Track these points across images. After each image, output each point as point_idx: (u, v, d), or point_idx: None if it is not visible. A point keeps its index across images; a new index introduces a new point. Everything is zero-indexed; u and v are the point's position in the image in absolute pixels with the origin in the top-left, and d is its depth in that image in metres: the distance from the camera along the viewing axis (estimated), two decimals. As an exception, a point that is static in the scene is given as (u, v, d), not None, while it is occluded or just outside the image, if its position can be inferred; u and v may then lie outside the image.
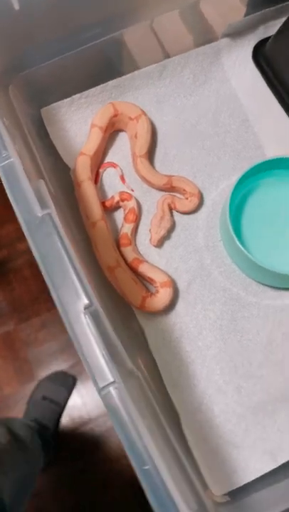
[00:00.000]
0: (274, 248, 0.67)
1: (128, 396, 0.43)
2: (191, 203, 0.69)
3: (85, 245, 0.67)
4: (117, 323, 0.61)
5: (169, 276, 0.66)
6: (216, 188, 0.72)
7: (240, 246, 0.62)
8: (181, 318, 0.66)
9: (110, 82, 0.73)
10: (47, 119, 0.72)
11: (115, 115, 0.71)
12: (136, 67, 0.74)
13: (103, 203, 0.69)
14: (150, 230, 0.68)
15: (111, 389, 0.42)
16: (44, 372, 1.46)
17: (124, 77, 0.73)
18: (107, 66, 0.73)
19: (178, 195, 0.71)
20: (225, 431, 0.62)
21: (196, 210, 0.71)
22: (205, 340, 0.65)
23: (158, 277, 0.65)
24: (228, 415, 0.62)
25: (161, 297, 0.64)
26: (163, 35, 0.73)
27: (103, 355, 0.43)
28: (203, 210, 0.71)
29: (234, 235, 0.63)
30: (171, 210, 0.70)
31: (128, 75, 0.73)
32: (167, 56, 0.75)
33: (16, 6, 0.57)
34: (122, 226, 0.69)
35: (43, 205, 0.48)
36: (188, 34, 0.75)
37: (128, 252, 0.67)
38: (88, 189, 0.68)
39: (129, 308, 0.67)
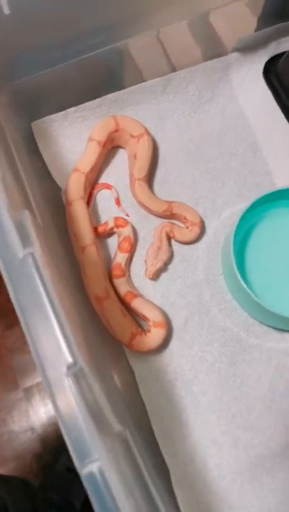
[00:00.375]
0: (281, 287, 0.62)
1: (113, 473, 0.38)
2: (191, 233, 0.64)
3: (76, 270, 0.61)
4: (103, 367, 0.55)
5: (164, 316, 0.60)
6: (218, 217, 0.66)
7: (243, 283, 0.57)
8: (176, 359, 0.61)
9: (109, 96, 0.67)
10: (38, 134, 0.66)
11: (116, 130, 0.65)
12: (138, 81, 0.68)
13: (96, 229, 0.64)
14: (146, 261, 0.63)
15: (93, 468, 0.37)
16: (29, 382, 1.41)
17: (124, 90, 0.67)
18: (106, 78, 0.67)
19: (178, 222, 0.65)
20: (219, 488, 0.56)
21: (197, 240, 0.65)
22: (201, 386, 0.59)
23: (152, 315, 0.59)
24: (222, 470, 0.57)
25: (152, 338, 0.59)
26: (169, 46, 0.67)
27: (87, 428, 0.38)
28: (204, 239, 0.65)
29: (237, 272, 0.57)
30: (169, 239, 0.65)
31: (129, 89, 0.68)
32: (173, 69, 0.69)
33: (6, 10, 0.51)
34: (116, 255, 0.63)
35: (25, 242, 0.42)
36: (195, 47, 0.69)
37: (121, 284, 0.62)
38: (79, 210, 0.62)
39: (119, 344, 0.61)
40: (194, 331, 0.61)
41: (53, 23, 0.56)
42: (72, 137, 0.68)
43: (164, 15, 0.63)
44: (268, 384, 0.60)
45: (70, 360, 0.39)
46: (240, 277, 0.57)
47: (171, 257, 0.64)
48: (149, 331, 0.59)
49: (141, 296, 0.62)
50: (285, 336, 0.62)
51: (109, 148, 0.67)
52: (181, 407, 0.59)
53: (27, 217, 0.45)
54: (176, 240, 0.64)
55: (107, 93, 0.67)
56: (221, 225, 0.66)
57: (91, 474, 0.36)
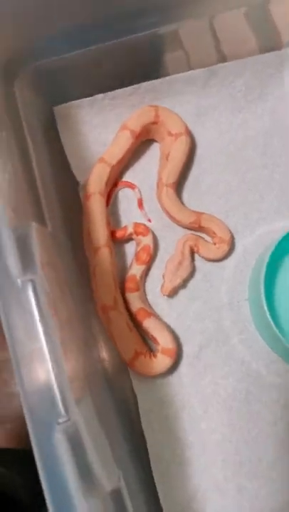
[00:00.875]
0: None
1: None
2: (218, 251, 0.57)
3: (85, 273, 0.56)
4: (102, 398, 0.50)
5: (176, 344, 0.54)
6: (251, 233, 0.59)
7: (268, 316, 0.50)
8: (185, 389, 0.55)
9: (144, 84, 0.59)
10: (60, 120, 0.59)
11: (154, 122, 0.58)
12: (178, 70, 0.60)
13: (113, 233, 0.57)
14: (164, 275, 0.56)
15: None
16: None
17: (161, 79, 0.60)
18: (143, 65, 0.59)
19: (204, 235, 0.58)
20: (216, 538, 0.51)
21: (224, 258, 0.58)
22: (210, 422, 0.54)
23: (163, 340, 0.53)
24: (222, 519, 0.52)
25: (157, 363, 0.53)
26: (221, 35, 0.58)
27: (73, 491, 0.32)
28: (233, 257, 0.58)
29: (264, 303, 0.51)
30: (192, 253, 0.58)
31: (167, 78, 0.60)
32: (219, 61, 0.60)
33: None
34: (131, 266, 0.57)
35: (25, 266, 0.36)
36: (248, 38, 0.60)
37: (134, 299, 0.55)
38: (97, 206, 0.55)
39: (124, 365, 0.55)
40: (209, 360, 0.55)
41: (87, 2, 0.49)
42: (99, 126, 0.60)
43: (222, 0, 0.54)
44: (284, 431, 0.54)
45: (62, 413, 0.33)
46: (266, 309, 0.51)
47: (192, 275, 0.57)
48: (155, 356, 0.53)
49: (154, 315, 0.56)
50: (309, 378, 0.55)
51: (143, 140, 0.60)
52: (185, 444, 0.53)
53: (32, 232, 0.39)
54: (200, 256, 0.58)
55: (141, 81, 0.59)
56: (253, 243, 0.58)
57: None
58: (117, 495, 0.41)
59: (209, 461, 0.53)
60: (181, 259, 0.56)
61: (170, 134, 0.58)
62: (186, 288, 0.57)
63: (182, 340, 0.56)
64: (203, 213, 0.57)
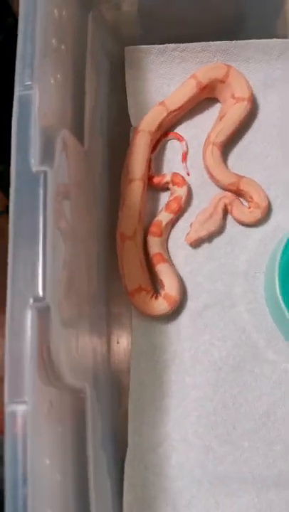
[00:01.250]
0: None
1: (39, 423, 0.35)
2: (251, 215, 0.57)
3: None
4: (93, 322, 0.52)
5: (181, 295, 0.55)
6: (286, 211, 0.58)
7: (279, 294, 0.50)
8: (181, 342, 0.55)
9: (217, 43, 0.60)
10: (129, 61, 0.61)
11: (222, 81, 0.58)
12: (257, 35, 0.59)
13: (151, 178, 0.59)
14: (191, 224, 0.57)
15: (17, 409, 0.34)
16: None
17: (235, 41, 0.60)
18: (223, 22, 0.59)
19: (241, 200, 0.59)
20: (171, 487, 0.52)
21: (256, 225, 0.58)
22: (195, 378, 0.54)
23: (169, 286, 0.54)
24: (183, 471, 0.52)
25: (154, 305, 0.54)
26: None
27: (28, 368, 0.34)
28: (262, 229, 0.58)
29: (277, 279, 0.50)
30: (226, 212, 0.58)
31: (241, 41, 0.60)
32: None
33: None
34: (160, 213, 0.58)
35: (44, 159, 0.38)
36: None
37: (155, 243, 0.57)
38: (143, 141, 0.58)
39: (128, 303, 0.57)
40: (210, 320, 0.56)
41: None
42: (164, 76, 0.62)
43: None
44: (267, 406, 0.53)
45: (39, 292, 0.36)
46: (278, 285, 0.50)
47: (219, 231, 0.58)
48: (156, 298, 0.54)
49: (170, 262, 0.57)
50: (307, 363, 0.54)
51: (206, 96, 0.61)
52: (167, 392, 0.54)
53: (62, 135, 0.41)
54: (232, 216, 0.58)
55: (215, 39, 0.60)
56: (286, 220, 0.58)
57: (13, 413, 0.33)
58: (80, 396, 0.43)
59: (185, 413, 0.53)
60: (212, 212, 0.57)
61: (233, 96, 0.58)
62: (208, 246, 0.58)
63: (190, 294, 0.56)
64: (243, 177, 0.57)
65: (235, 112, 0.58)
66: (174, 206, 0.57)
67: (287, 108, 0.61)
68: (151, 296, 0.54)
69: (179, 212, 0.58)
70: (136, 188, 0.55)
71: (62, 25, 0.45)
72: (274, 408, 0.53)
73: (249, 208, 0.58)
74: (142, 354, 0.55)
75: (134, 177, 0.56)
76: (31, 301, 0.35)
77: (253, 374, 0.54)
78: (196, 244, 0.57)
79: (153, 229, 0.57)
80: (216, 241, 0.58)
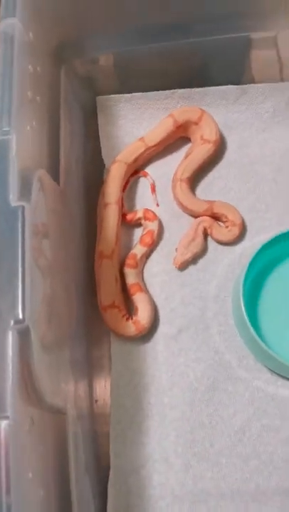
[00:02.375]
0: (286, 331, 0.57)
1: (22, 439, 0.37)
2: (230, 233, 0.62)
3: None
4: (75, 345, 0.55)
5: (149, 324, 0.58)
6: (251, 239, 0.63)
7: (245, 317, 0.54)
8: (158, 365, 0.58)
9: (179, 91, 0.66)
10: (100, 109, 0.67)
11: (196, 123, 0.64)
12: (212, 83, 0.66)
13: (124, 215, 0.63)
14: (176, 249, 0.61)
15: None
16: None
17: (196, 89, 0.66)
18: (182, 72, 0.66)
19: (218, 222, 0.64)
20: (154, 508, 0.53)
21: (234, 243, 0.63)
22: (172, 399, 0.57)
23: (140, 313, 0.58)
24: (164, 491, 0.54)
25: (124, 326, 0.57)
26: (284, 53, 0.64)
27: (10, 382, 0.37)
28: (229, 256, 0.63)
29: (242, 303, 0.54)
30: (206, 235, 0.63)
31: (201, 89, 0.66)
32: (252, 81, 0.67)
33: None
34: (135, 246, 0.62)
35: (22, 195, 0.42)
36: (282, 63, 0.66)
37: (131, 274, 0.61)
38: (120, 171, 0.63)
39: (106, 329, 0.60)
40: (185, 343, 0.59)
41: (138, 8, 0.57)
42: (133, 122, 0.68)
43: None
44: (242, 422, 0.56)
45: (19, 315, 0.39)
46: (244, 308, 0.54)
47: (202, 252, 0.62)
48: (127, 319, 0.58)
49: (146, 292, 0.60)
50: (277, 379, 0.57)
51: (180, 134, 0.66)
52: (146, 414, 0.57)
53: (38, 175, 0.46)
54: (213, 238, 0.63)
55: (177, 87, 0.66)
56: (251, 247, 0.62)
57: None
58: (60, 415, 0.45)
59: (164, 434, 0.56)
60: (194, 235, 0.61)
61: (202, 138, 0.64)
62: (180, 274, 0.62)
63: (165, 320, 0.60)
64: (214, 201, 0.63)
65: (200, 151, 0.64)
66: (148, 240, 0.62)
67: (246, 146, 0.66)
68: (123, 316, 0.58)
69: (153, 245, 0.62)
70: (112, 211, 0.60)
71: (37, 79, 0.50)
72: (248, 424, 0.56)
73: (227, 227, 0.63)
74: (121, 378, 0.58)
75: (109, 201, 0.61)
76: (12, 323, 0.39)
77: (226, 392, 0.57)
78: (183, 266, 0.61)
79: (129, 261, 0.61)
80: (188, 268, 0.62)
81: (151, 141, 0.64)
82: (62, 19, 0.55)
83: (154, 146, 0.64)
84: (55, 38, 0.55)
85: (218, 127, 0.64)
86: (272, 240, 0.56)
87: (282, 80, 0.67)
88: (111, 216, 0.60)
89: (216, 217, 0.63)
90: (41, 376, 0.41)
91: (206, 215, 0.63)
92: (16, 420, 0.36)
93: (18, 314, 0.39)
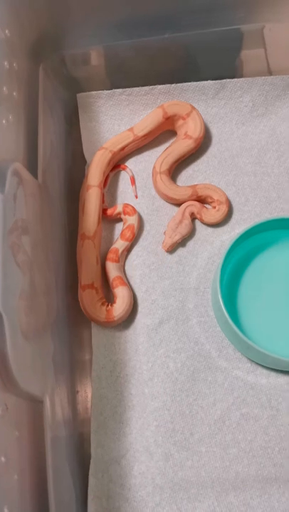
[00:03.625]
0: (267, 323, 0.58)
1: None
2: (218, 213, 0.63)
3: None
4: (58, 336, 0.55)
5: (119, 320, 0.59)
6: (230, 231, 0.64)
7: (223, 307, 0.54)
8: (139, 356, 0.59)
9: (159, 87, 0.67)
10: (81, 106, 0.68)
11: (183, 118, 0.65)
12: (193, 78, 0.67)
13: (104, 210, 0.64)
14: (164, 232, 0.63)
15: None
16: None
17: (175, 84, 0.67)
18: (162, 68, 0.67)
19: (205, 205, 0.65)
20: (135, 496, 0.54)
21: (220, 224, 0.64)
22: (153, 389, 0.57)
23: (116, 308, 0.59)
24: (145, 480, 0.54)
25: (95, 309, 0.59)
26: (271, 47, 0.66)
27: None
28: (208, 249, 0.63)
29: (220, 293, 0.55)
30: (193, 218, 0.64)
31: (180, 84, 0.67)
32: (232, 76, 0.67)
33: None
34: (116, 241, 0.63)
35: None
36: (259, 58, 0.67)
37: (113, 268, 0.62)
38: (104, 156, 0.64)
39: (88, 324, 0.60)
40: (165, 335, 0.59)
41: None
42: (114, 118, 0.69)
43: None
44: (221, 412, 0.56)
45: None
46: (221, 299, 0.55)
47: (189, 234, 0.63)
48: (102, 304, 0.59)
49: (128, 286, 0.61)
50: (256, 368, 0.58)
51: (168, 127, 0.67)
52: (127, 405, 0.57)
53: (13, 167, 0.46)
54: (203, 222, 0.64)
55: (157, 83, 0.67)
56: (230, 239, 0.63)
57: None
58: (36, 404, 0.46)
59: (145, 424, 0.56)
60: (181, 219, 0.62)
61: (186, 134, 0.65)
62: (160, 267, 0.62)
63: (146, 311, 0.60)
64: (196, 184, 0.64)
65: (179, 146, 0.65)
66: (128, 234, 0.62)
67: (225, 140, 0.67)
68: (98, 300, 0.59)
69: (133, 239, 0.63)
70: (94, 194, 0.62)
71: (14, 75, 0.51)
72: (228, 413, 0.56)
73: (214, 207, 0.63)
74: (103, 370, 0.59)
75: (92, 184, 0.62)
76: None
77: (206, 382, 0.58)
78: (172, 248, 0.63)
79: (110, 255, 0.62)
80: (168, 261, 0.63)
81: (140, 131, 0.65)
82: (40, 16, 0.56)
83: (143, 136, 0.65)
84: (33, 35, 0.56)
85: (203, 126, 0.65)
86: (249, 231, 0.57)
87: (270, 73, 0.68)
88: (93, 198, 0.61)
89: (201, 201, 0.64)
90: (17, 364, 0.42)
91: (192, 200, 0.64)
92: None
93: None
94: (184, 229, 0.62)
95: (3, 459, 0.39)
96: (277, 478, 0.54)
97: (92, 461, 0.55)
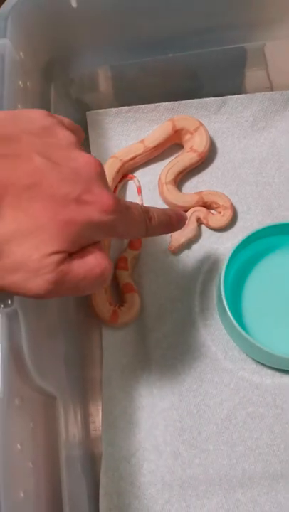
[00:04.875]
0: (271, 324, 0.61)
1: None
2: (224, 218, 0.66)
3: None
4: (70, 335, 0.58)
5: (122, 325, 0.62)
6: (233, 238, 0.66)
7: (227, 309, 0.57)
8: (147, 359, 0.61)
9: (164, 104, 0.71)
10: (90, 123, 0.72)
11: (191, 133, 0.68)
12: (198, 95, 0.71)
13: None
14: (171, 236, 0.66)
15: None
16: None
17: (179, 102, 0.71)
18: (168, 86, 0.71)
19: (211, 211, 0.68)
20: (145, 494, 0.55)
21: (224, 232, 0.67)
22: (161, 390, 0.60)
23: (122, 313, 0.62)
24: (154, 478, 0.56)
25: (102, 308, 0.61)
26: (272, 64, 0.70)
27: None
28: (213, 254, 0.66)
29: (224, 295, 0.57)
30: (200, 223, 0.67)
31: (184, 101, 0.71)
32: (232, 93, 0.71)
33: (74, 4, 0.57)
34: (125, 249, 0.66)
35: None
36: (259, 75, 0.71)
37: (123, 275, 0.64)
38: (113, 165, 0.67)
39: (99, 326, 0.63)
40: (174, 338, 0.62)
41: (122, 24, 0.62)
42: (122, 134, 0.72)
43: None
44: (228, 411, 0.58)
45: (8, 300, 0.43)
46: (225, 301, 0.57)
47: (196, 237, 0.66)
48: (110, 305, 0.62)
49: (138, 293, 0.63)
50: (261, 369, 0.60)
51: (176, 140, 0.70)
52: (137, 406, 0.59)
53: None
54: (209, 227, 0.66)
55: (162, 101, 0.71)
56: (233, 246, 0.66)
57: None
58: (50, 399, 0.48)
59: (154, 423, 0.58)
60: (188, 223, 0.65)
61: (191, 148, 0.68)
62: (166, 274, 0.65)
63: (153, 316, 0.63)
64: (202, 191, 0.67)
65: (184, 158, 0.68)
66: (136, 243, 0.65)
67: (228, 153, 0.71)
68: (106, 299, 0.62)
69: (141, 248, 0.66)
70: None
71: (27, 93, 0.55)
72: (234, 412, 0.58)
73: (219, 213, 0.66)
74: (113, 371, 0.61)
75: None
76: (2, 306, 0.42)
77: (213, 383, 0.59)
78: (178, 250, 0.65)
79: (120, 264, 0.65)
80: (175, 267, 0.65)
81: (150, 142, 0.68)
82: (50, 41, 0.60)
83: (153, 147, 0.68)
84: (44, 57, 0.61)
85: (209, 142, 0.68)
86: (250, 237, 0.60)
87: (271, 89, 0.71)
88: None
89: (206, 206, 0.67)
90: (32, 359, 0.45)
91: (200, 206, 0.67)
92: (5, 393, 0.40)
93: (6, 299, 0.43)
94: (190, 232, 0.65)
95: (19, 446, 0.41)
96: (284, 475, 0.55)
97: (103, 458, 0.56)
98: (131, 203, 0.40)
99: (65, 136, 0.37)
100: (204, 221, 0.66)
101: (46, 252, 0.32)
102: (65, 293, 0.35)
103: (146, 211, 0.42)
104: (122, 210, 0.37)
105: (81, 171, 0.35)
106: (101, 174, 0.37)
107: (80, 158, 0.36)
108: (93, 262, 0.36)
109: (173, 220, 0.46)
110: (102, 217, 0.35)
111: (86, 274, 0.35)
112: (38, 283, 0.32)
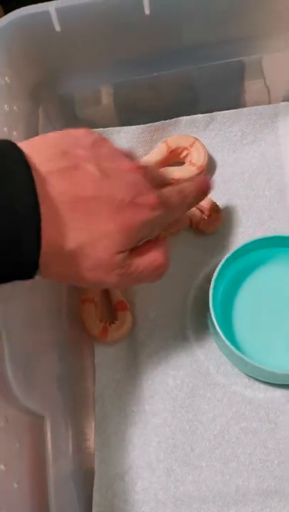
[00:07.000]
0: (262, 338, 0.60)
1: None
2: (211, 222, 0.66)
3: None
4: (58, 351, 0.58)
5: (112, 342, 0.62)
6: (225, 252, 0.65)
7: (217, 326, 0.57)
8: (139, 375, 0.61)
9: (154, 124, 0.72)
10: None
11: (187, 149, 0.69)
12: (189, 112, 0.72)
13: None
14: None
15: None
16: None
17: (168, 120, 0.72)
18: (151, 106, 0.72)
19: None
20: (138, 512, 0.55)
21: (214, 247, 0.67)
22: (153, 406, 0.59)
23: (111, 331, 0.62)
24: (148, 496, 0.56)
25: (92, 323, 0.61)
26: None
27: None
28: (203, 270, 0.66)
29: (213, 313, 0.57)
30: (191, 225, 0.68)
31: (173, 120, 0.72)
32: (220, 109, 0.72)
33: (57, 28, 0.58)
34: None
35: None
36: (245, 89, 0.71)
37: (116, 293, 0.65)
38: None
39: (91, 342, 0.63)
40: (165, 353, 0.62)
41: (106, 49, 0.63)
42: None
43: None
44: (221, 426, 0.58)
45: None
46: (214, 318, 0.57)
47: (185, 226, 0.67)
48: (101, 321, 0.62)
49: (130, 312, 0.63)
50: (254, 383, 0.59)
51: (174, 159, 0.71)
52: (130, 422, 0.59)
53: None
54: (201, 230, 0.67)
55: (155, 117, 0.71)
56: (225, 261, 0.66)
57: None
58: (37, 418, 0.49)
59: (147, 440, 0.58)
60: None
61: (190, 162, 0.69)
62: (158, 290, 0.65)
63: (145, 331, 0.63)
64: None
65: (182, 170, 0.69)
66: None
67: (218, 167, 0.71)
68: (97, 315, 0.62)
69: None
70: None
71: (14, 117, 0.57)
72: (227, 428, 0.58)
73: (209, 216, 0.66)
74: (105, 389, 0.61)
75: None
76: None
77: (205, 398, 0.59)
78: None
79: None
80: (166, 285, 0.65)
81: (145, 163, 0.68)
82: (38, 62, 0.61)
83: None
84: (33, 79, 0.62)
85: (207, 155, 0.69)
86: (239, 249, 0.60)
87: (269, 102, 0.72)
88: None
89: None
90: (17, 378, 0.45)
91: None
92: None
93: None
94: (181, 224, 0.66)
95: (3, 467, 0.41)
96: (278, 491, 0.54)
97: (96, 476, 0.56)
98: (167, 191, 0.46)
99: (110, 148, 0.43)
100: (194, 226, 0.66)
101: (114, 252, 0.39)
102: (131, 282, 0.44)
103: (180, 191, 0.48)
104: (164, 201, 0.43)
105: (129, 177, 0.41)
106: (144, 176, 0.43)
107: (127, 164, 0.42)
108: (150, 258, 0.43)
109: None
110: (153, 213, 0.41)
111: (144, 268, 0.43)
112: (111, 277, 0.41)
